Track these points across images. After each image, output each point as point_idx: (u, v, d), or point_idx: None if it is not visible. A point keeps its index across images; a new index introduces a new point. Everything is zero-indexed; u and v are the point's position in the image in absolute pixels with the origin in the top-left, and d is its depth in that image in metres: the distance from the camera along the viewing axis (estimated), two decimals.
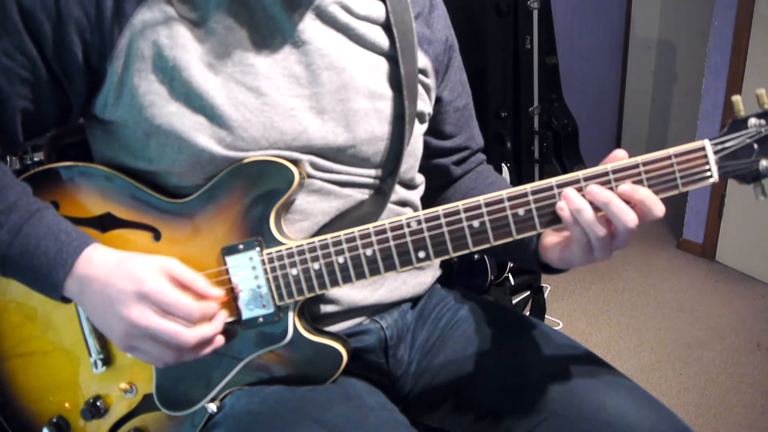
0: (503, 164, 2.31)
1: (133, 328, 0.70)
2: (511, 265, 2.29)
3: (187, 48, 0.73)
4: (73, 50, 0.72)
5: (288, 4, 0.77)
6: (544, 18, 2.31)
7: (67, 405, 0.86)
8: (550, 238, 0.82)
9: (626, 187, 0.69)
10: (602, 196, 0.69)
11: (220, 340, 0.76)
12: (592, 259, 0.73)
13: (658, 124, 3.73)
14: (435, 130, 0.98)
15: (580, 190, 0.71)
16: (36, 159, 1.50)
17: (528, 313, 2.37)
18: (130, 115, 0.75)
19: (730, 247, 2.86)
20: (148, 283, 0.70)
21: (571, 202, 0.70)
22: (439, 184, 1.04)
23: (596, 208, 0.70)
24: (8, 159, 1.49)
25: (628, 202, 0.69)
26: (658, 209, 0.69)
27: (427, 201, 1.00)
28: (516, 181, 2.38)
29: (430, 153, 0.99)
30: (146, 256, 0.74)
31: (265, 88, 0.76)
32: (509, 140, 2.32)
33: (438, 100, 0.96)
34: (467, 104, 1.02)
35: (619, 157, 0.71)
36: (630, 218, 0.69)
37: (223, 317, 0.76)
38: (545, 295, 2.49)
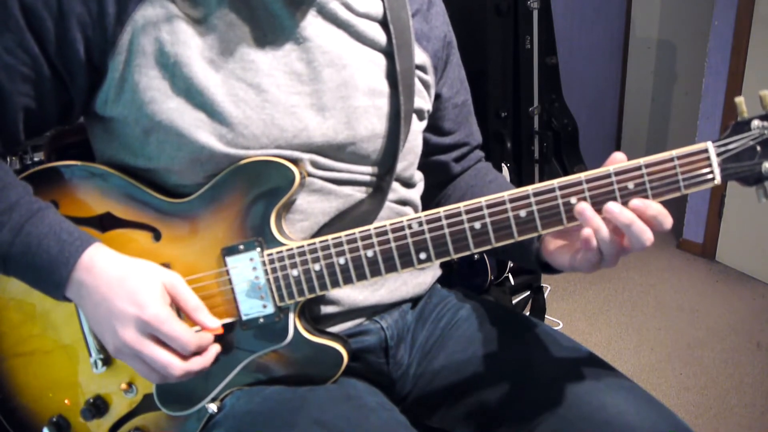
0: (503, 164, 2.31)
1: (125, 347, 0.71)
2: (511, 265, 2.29)
3: (188, 44, 0.73)
4: (75, 46, 0.72)
5: (289, 1, 0.77)
6: (544, 18, 2.31)
7: (67, 402, 0.86)
8: (556, 242, 0.81)
9: (638, 202, 0.69)
10: (623, 217, 0.68)
11: (207, 366, 0.76)
12: (599, 268, 0.74)
13: (658, 124, 3.73)
14: (434, 126, 0.98)
15: (582, 192, 0.70)
16: (36, 159, 1.50)
17: (528, 313, 2.37)
18: (130, 112, 0.75)
19: (730, 247, 2.86)
20: (150, 311, 0.70)
21: (589, 221, 0.69)
22: (439, 181, 1.03)
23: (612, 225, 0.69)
24: (8, 159, 1.48)
25: (639, 217, 0.69)
26: (668, 222, 0.69)
27: (427, 198, 1.00)
28: (516, 181, 2.38)
29: (429, 150, 0.99)
30: (150, 271, 0.73)
31: (266, 84, 0.76)
32: (509, 140, 2.32)
33: (437, 97, 0.96)
34: (466, 100, 1.02)
35: (618, 160, 0.71)
36: (648, 237, 0.69)
37: (216, 351, 0.76)
38: (545, 295, 2.49)
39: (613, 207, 0.69)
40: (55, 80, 0.75)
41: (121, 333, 0.70)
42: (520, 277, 2.36)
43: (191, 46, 0.73)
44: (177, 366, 0.71)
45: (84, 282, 0.72)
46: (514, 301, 2.37)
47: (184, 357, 0.72)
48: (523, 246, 0.85)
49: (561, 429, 0.79)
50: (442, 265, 1.06)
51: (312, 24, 0.79)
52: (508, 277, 2.31)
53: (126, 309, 0.70)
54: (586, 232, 0.70)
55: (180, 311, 0.75)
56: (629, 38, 3.68)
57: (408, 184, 0.94)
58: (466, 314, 0.97)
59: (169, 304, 0.73)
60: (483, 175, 1.03)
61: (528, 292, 2.43)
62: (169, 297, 0.73)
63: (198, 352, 0.74)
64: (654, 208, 0.69)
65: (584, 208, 0.69)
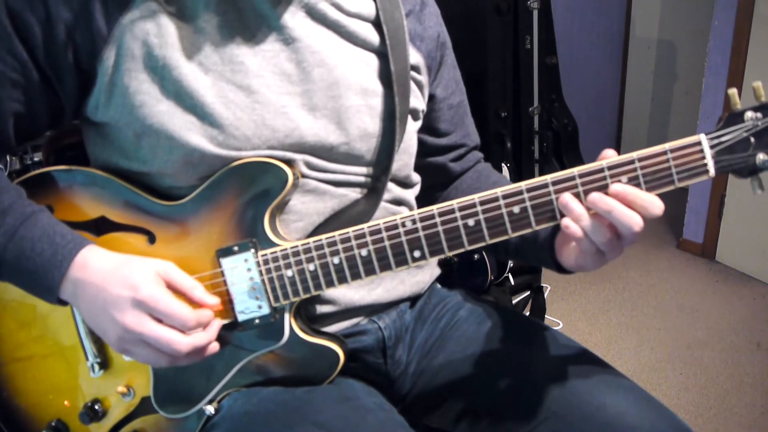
0: (503, 164, 2.31)
1: (127, 333, 0.70)
2: (511, 264, 2.28)
3: (176, 47, 0.73)
4: (63, 51, 0.72)
5: (275, 1, 0.77)
6: (544, 18, 2.31)
7: (65, 405, 0.86)
8: (562, 241, 0.80)
9: (618, 188, 0.68)
10: (603, 204, 0.68)
11: (214, 346, 0.76)
12: (605, 261, 0.73)
13: (658, 124, 3.72)
14: (430, 127, 0.98)
15: (575, 187, 0.70)
16: (36, 159, 1.50)
17: (528, 313, 2.36)
18: (121, 116, 0.75)
19: (730, 247, 2.85)
20: (144, 291, 0.70)
21: (572, 211, 0.69)
22: (439, 183, 1.03)
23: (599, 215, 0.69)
24: (8, 159, 1.48)
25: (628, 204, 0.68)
26: (658, 208, 0.68)
27: (428, 200, 1.00)
28: (516, 181, 2.37)
29: (426, 151, 0.99)
30: (142, 260, 0.73)
31: (255, 85, 0.76)
32: (509, 140, 2.32)
33: (431, 98, 0.96)
34: (461, 101, 1.02)
35: (610, 156, 0.70)
36: (635, 222, 0.67)
37: (218, 325, 0.76)
38: (545, 295, 2.48)
39: (594, 196, 0.69)
40: (45, 85, 0.75)
41: (120, 319, 0.70)
42: (520, 277, 2.35)
43: (180, 49, 0.74)
44: (182, 341, 0.70)
45: (78, 280, 0.72)
46: (514, 301, 2.37)
47: (187, 332, 0.72)
48: (536, 247, 0.85)
49: (561, 429, 0.79)
50: (442, 265, 1.06)
51: (301, 24, 0.79)
52: (508, 277, 2.30)
53: (121, 294, 0.70)
54: (564, 220, 0.70)
55: (177, 295, 0.74)
56: (629, 38, 3.67)
57: (404, 184, 0.94)
58: (465, 314, 0.97)
59: (164, 287, 0.72)
60: (486, 177, 1.02)
61: (528, 292, 2.43)
62: (164, 282, 0.73)
63: (200, 328, 0.73)
64: (631, 192, 0.68)
65: (567, 198, 0.69)
